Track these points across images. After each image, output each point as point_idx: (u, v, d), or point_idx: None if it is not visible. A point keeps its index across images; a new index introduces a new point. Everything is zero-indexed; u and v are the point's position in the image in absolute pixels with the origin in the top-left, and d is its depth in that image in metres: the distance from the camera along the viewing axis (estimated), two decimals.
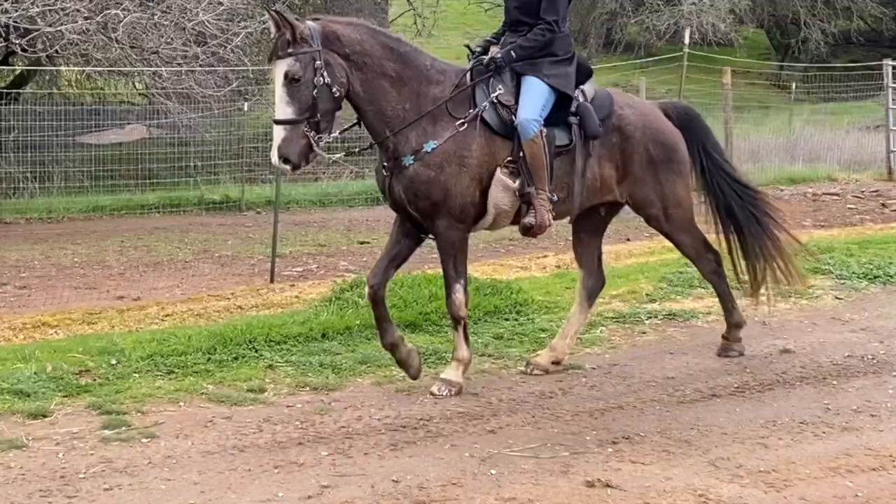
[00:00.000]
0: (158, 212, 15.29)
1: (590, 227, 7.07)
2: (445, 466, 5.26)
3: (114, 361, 6.82)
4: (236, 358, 6.96)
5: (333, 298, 8.05)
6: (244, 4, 16.15)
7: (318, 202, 16.10)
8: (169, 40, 15.73)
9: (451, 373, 6.41)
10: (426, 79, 6.24)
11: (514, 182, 6.23)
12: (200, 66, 15.38)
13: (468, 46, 6.80)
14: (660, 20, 28.29)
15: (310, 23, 5.94)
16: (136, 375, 6.65)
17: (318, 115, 5.88)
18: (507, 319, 7.95)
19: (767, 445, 5.60)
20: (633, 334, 7.88)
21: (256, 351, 7.04)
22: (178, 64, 15.31)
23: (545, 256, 10.83)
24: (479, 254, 11.05)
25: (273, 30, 5.94)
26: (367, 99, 6.10)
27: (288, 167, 5.97)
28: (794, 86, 24.50)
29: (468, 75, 6.37)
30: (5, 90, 19.88)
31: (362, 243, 12.05)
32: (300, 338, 7.27)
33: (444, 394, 6.31)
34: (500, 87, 6.28)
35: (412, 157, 6.11)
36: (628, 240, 12.23)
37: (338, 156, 6.74)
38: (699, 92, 18.60)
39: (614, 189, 6.72)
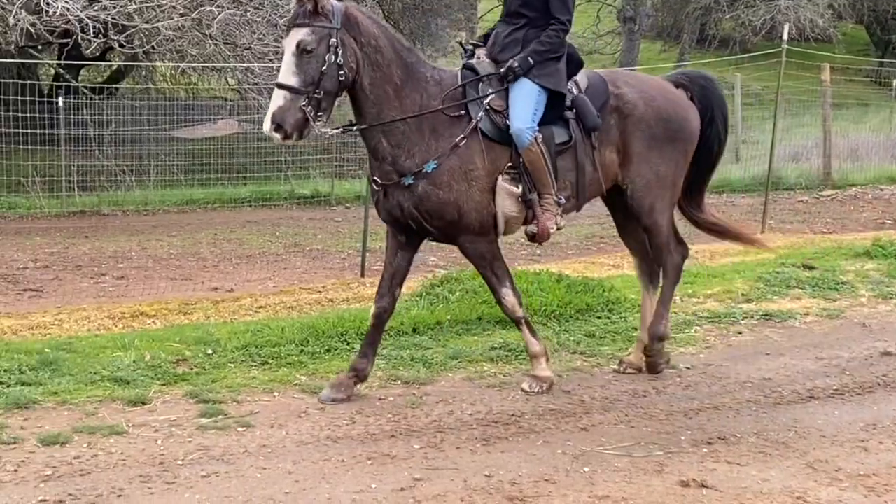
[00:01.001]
0: (250, 205, 15.50)
1: (623, 209, 6.74)
2: (538, 463, 5.25)
3: (210, 351, 6.94)
4: (328, 350, 7.03)
5: (424, 294, 8.07)
6: None
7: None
8: (261, 36, 15.94)
9: (537, 369, 6.36)
10: (425, 92, 5.99)
11: (518, 188, 6.04)
12: None
13: (461, 44, 6.58)
14: (755, 15, 27.72)
15: (334, 2, 5.71)
16: (232, 365, 6.76)
17: (321, 91, 5.66)
18: (598, 317, 7.89)
19: (867, 449, 5.49)
20: (728, 334, 7.76)
21: (348, 344, 7.09)
22: (270, 60, 15.47)
23: None
24: (570, 251, 11.00)
25: (293, 2, 5.77)
26: (373, 99, 5.87)
27: (279, 136, 5.63)
28: (894, 83, 23.82)
29: (461, 86, 6.09)
30: (103, 85, 20.40)
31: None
32: (391, 332, 7.30)
33: (536, 390, 6.27)
34: (489, 91, 6.04)
35: (412, 178, 5.90)
36: None
37: (334, 130, 6.29)
38: (797, 89, 18.22)
39: (617, 172, 6.42)
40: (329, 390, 6.17)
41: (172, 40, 15.46)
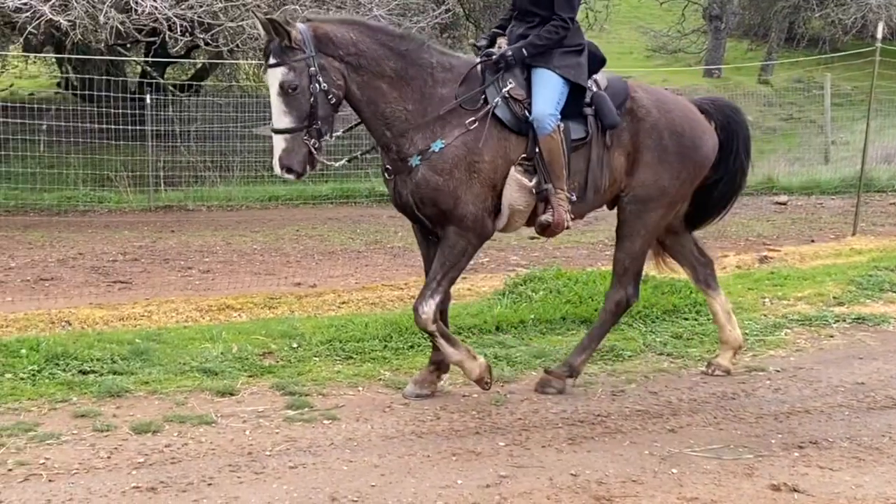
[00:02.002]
0: (331, 202, 15.62)
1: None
2: (625, 463, 5.19)
3: (295, 345, 7.01)
4: (412, 346, 7.05)
5: (507, 292, 8.05)
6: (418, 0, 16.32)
7: None
8: None
9: (470, 373, 6.08)
10: (431, 77, 5.83)
11: (530, 181, 5.87)
12: None
13: (475, 44, 6.39)
14: (846, 14, 26.99)
15: (300, 26, 5.57)
16: (317, 359, 6.81)
17: (318, 121, 5.56)
18: (686, 318, 7.79)
19: None
20: (820, 338, 7.61)
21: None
22: None
23: (725, 256, 10.56)
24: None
25: (263, 36, 5.60)
26: (365, 101, 5.75)
27: (292, 176, 5.64)
28: None
29: (477, 71, 5.96)
30: (188, 83, 20.72)
31: (533, 238, 11.97)
32: (474, 329, 7.30)
33: (487, 387, 6.09)
34: (510, 81, 5.90)
35: (419, 158, 5.75)
36: (813, 241, 11.84)
37: (340, 162, 6.28)
38: (889, 90, 17.82)
39: (622, 179, 6.19)
40: (413, 386, 6.18)
41: (256, 38, 15.62)
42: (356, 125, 6.11)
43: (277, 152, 5.53)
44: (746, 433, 5.66)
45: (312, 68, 5.49)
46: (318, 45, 5.55)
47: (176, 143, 16.48)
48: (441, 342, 5.98)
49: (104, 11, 13.43)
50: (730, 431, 5.69)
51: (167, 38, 14.75)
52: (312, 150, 5.55)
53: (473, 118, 5.78)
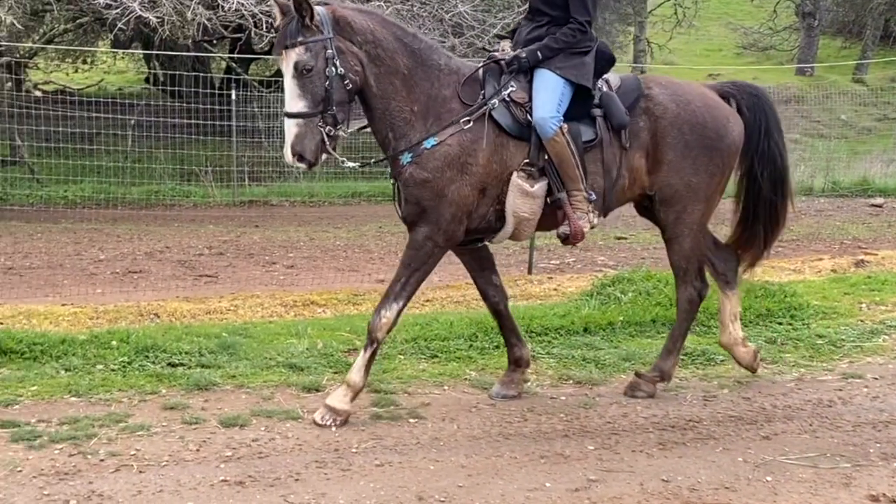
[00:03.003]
0: None
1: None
2: (717, 469, 5.07)
3: None
4: (497, 346, 6.98)
5: (594, 293, 7.95)
6: None
7: None
8: (427, 31, 16.01)
9: (338, 398, 5.64)
10: (437, 80, 5.63)
11: (534, 186, 5.65)
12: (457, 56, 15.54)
13: (485, 49, 6.21)
14: None
15: (319, 8, 5.35)
16: (402, 357, 6.79)
17: (333, 107, 5.34)
18: (780, 323, 7.61)
19: None
20: None
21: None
22: None
23: (820, 259, 10.32)
24: None
25: (278, 16, 5.41)
26: (379, 95, 5.54)
27: (303, 165, 5.39)
28: None
29: (480, 74, 5.75)
30: (271, 79, 20.91)
31: (619, 238, 11.85)
32: (561, 330, 7.21)
33: (328, 422, 5.55)
34: (512, 83, 5.67)
35: (410, 155, 5.54)
36: None
37: (352, 164, 6.03)
38: None
39: (644, 180, 5.97)
40: (500, 387, 6.10)
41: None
42: (366, 127, 5.88)
43: (290, 138, 5.29)
44: (843, 442, 5.49)
45: (329, 51, 5.31)
46: (337, 27, 5.37)
47: (260, 139, 16.63)
48: (364, 357, 5.65)
49: (192, 8, 13.61)
50: (826, 440, 5.52)
51: (252, 35, 14.88)
52: (326, 137, 5.34)
53: (468, 118, 5.56)
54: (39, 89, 19.52)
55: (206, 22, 13.82)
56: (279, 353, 6.72)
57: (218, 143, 16.08)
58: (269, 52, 20.51)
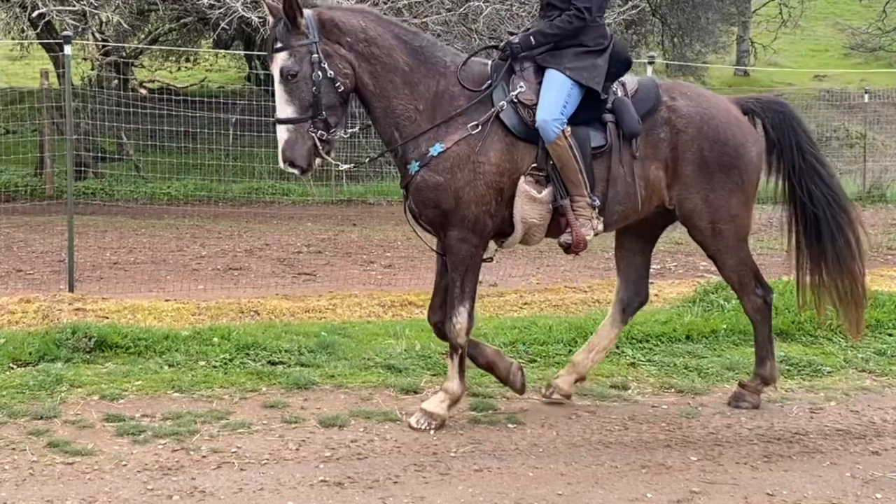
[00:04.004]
0: None
1: (635, 231, 6.08)
2: (824, 485, 4.93)
3: None
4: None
5: (697, 300, 7.80)
6: None
7: None
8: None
9: (434, 403, 5.62)
10: (443, 78, 5.48)
11: (541, 192, 5.46)
12: None
13: (497, 48, 5.87)
14: None
15: (306, 11, 5.26)
16: None
17: (323, 111, 5.24)
18: (890, 335, 7.39)
19: None
20: None
21: (618, 347, 6.92)
22: None
23: None
24: None
25: (270, 19, 5.33)
26: (378, 94, 5.41)
27: (295, 171, 5.29)
28: None
29: (487, 72, 5.58)
30: None
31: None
32: (662, 337, 7.09)
33: (423, 427, 5.52)
34: (521, 84, 5.49)
35: (418, 164, 5.41)
36: None
37: (346, 166, 5.91)
38: None
39: (663, 193, 5.75)
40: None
41: (439, 35, 15.68)
42: (364, 127, 5.82)
43: (280, 144, 5.24)
44: None
45: (315, 55, 5.22)
46: (322, 30, 5.27)
47: (357, 138, 16.72)
48: (455, 365, 5.62)
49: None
50: None
51: None
52: (319, 142, 5.25)
53: (477, 122, 5.42)
54: (144, 87, 19.99)
55: None
56: (377, 354, 6.73)
57: None
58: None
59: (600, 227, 5.60)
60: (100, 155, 16.43)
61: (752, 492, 4.82)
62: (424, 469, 5.03)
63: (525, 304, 8.35)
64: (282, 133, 5.21)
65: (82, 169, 15.38)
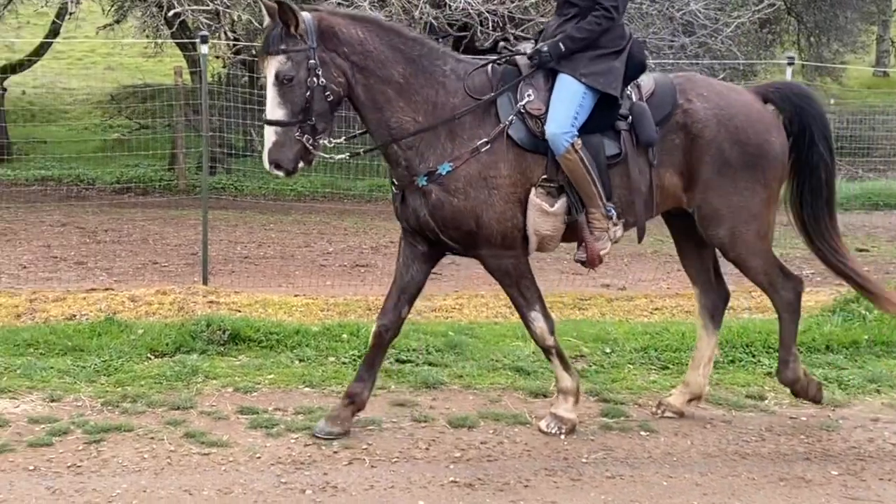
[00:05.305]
0: None
1: (686, 232, 5.79)
2: None
3: (608, 350, 6.87)
4: (732, 361, 6.75)
5: (837, 309, 7.53)
6: None
7: None
8: (656, 30, 15.67)
9: (564, 408, 5.52)
10: (443, 87, 5.28)
11: (553, 205, 5.24)
12: (686, 56, 15.14)
13: (506, 47, 5.61)
14: None
15: (305, 15, 5.12)
16: (630, 366, 6.63)
17: (313, 117, 5.13)
18: None
19: None
20: None
21: (754, 356, 6.76)
22: (665, 55, 15.18)
23: None
24: None
25: (266, 19, 5.21)
26: (370, 106, 5.28)
27: (280, 173, 5.18)
28: None
29: (490, 78, 5.35)
30: None
31: (860, 251, 11.20)
32: (801, 347, 6.83)
33: (554, 431, 5.46)
34: (529, 92, 5.26)
35: (426, 179, 5.23)
36: None
37: (340, 156, 5.67)
38: None
39: (681, 197, 5.49)
40: (324, 423, 5.43)
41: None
42: (361, 133, 5.65)
43: (268, 145, 5.14)
44: None
45: (312, 61, 5.10)
46: (321, 38, 5.16)
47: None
48: (557, 364, 5.54)
49: (419, 7, 13.80)
50: None
51: (478, 33, 14.97)
52: (307, 146, 5.14)
53: (486, 139, 5.22)
54: None
55: (432, 21, 13.98)
56: (505, 356, 6.69)
57: None
58: (490, 50, 20.68)
59: (619, 233, 5.44)
60: (229, 151, 16.78)
61: None
62: (555, 474, 4.98)
63: (655, 309, 8.20)
64: (269, 135, 5.13)
65: (213, 164, 15.73)
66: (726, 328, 7.00)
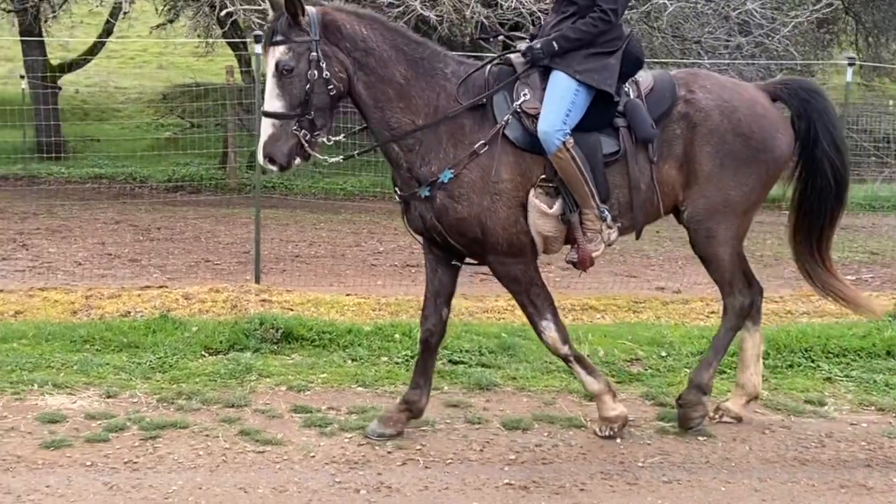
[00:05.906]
0: None
1: None
2: None
3: (664, 353, 6.80)
4: (791, 366, 6.63)
5: None
6: None
7: (868, 205, 14.85)
8: (711, 30, 15.48)
9: (603, 409, 5.43)
10: (444, 90, 5.19)
11: (552, 207, 5.14)
12: (742, 56, 14.95)
13: (504, 43, 5.44)
14: None
15: (309, 8, 5.05)
16: (687, 370, 6.52)
17: (312, 111, 5.02)
18: None
19: None
20: None
21: (813, 361, 6.64)
22: (720, 54, 15.01)
23: None
24: None
25: (271, 11, 5.15)
26: (372, 104, 5.18)
27: (274, 167, 5.05)
28: None
29: (486, 79, 5.24)
30: None
31: None
32: (861, 353, 6.74)
33: (607, 433, 5.40)
34: (525, 92, 5.14)
35: (428, 189, 5.13)
36: None
37: (335, 158, 5.49)
38: None
39: (679, 195, 5.35)
40: (377, 424, 5.40)
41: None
42: (361, 129, 5.57)
43: (263, 138, 5.04)
44: None
45: (314, 53, 5.00)
46: (325, 31, 5.07)
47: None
48: (578, 371, 5.43)
49: (470, 6, 13.77)
50: None
51: (530, 32, 14.91)
52: (304, 141, 5.03)
53: (483, 141, 5.12)
54: None
55: (483, 20, 13.93)
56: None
57: None
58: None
59: (615, 236, 5.30)
60: None
61: None
62: (611, 478, 4.92)
63: (711, 312, 8.08)
64: (266, 127, 5.04)
65: None
66: (784, 332, 6.92)
